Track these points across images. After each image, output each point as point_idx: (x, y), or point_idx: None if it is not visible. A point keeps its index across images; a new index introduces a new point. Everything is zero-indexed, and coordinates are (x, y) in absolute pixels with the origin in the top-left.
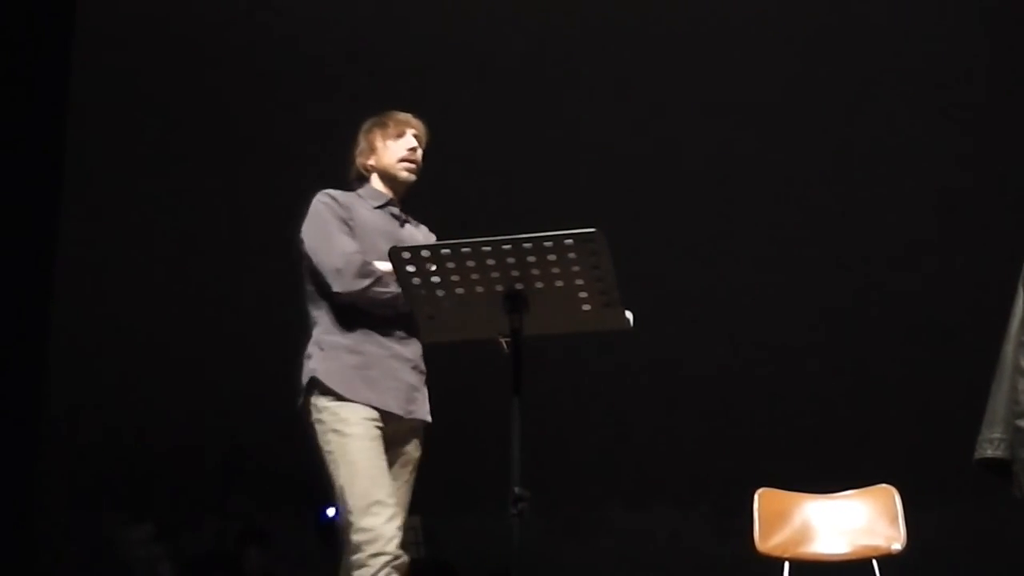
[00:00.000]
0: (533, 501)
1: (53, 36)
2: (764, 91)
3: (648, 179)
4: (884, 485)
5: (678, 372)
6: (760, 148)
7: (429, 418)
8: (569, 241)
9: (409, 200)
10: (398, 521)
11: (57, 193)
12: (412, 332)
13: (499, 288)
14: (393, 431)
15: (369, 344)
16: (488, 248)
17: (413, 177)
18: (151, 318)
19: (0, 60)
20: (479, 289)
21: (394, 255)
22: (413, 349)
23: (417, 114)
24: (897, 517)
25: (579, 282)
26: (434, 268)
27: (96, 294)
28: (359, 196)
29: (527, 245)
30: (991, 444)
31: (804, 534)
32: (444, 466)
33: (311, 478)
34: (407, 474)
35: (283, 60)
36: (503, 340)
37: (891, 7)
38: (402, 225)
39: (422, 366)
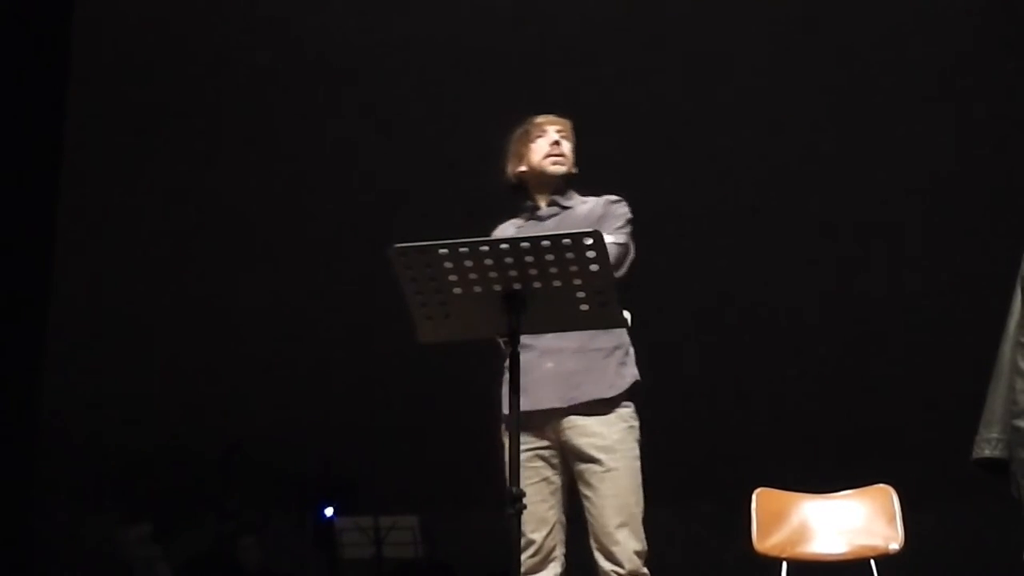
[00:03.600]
0: None
1: (52, 30)
2: (763, 89)
3: (643, 179)
4: (882, 485)
5: (675, 371)
6: (757, 148)
7: (607, 395)
8: (567, 241)
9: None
10: (530, 551)
11: (54, 192)
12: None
13: (497, 288)
14: (561, 437)
15: (524, 352)
16: (486, 248)
17: (561, 168)
18: (149, 317)
19: None
20: (477, 289)
21: (392, 255)
22: (575, 335)
23: (415, 111)
24: (895, 517)
25: (577, 282)
26: (431, 268)
27: (93, 293)
28: (513, 217)
29: (525, 245)
30: (989, 444)
31: (802, 534)
32: (442, 466)
33: (309, 478)
34: (596, 477)
35: (280, 58)
36: (501, 340)
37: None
38: (544, 221)
39: (595, 345)
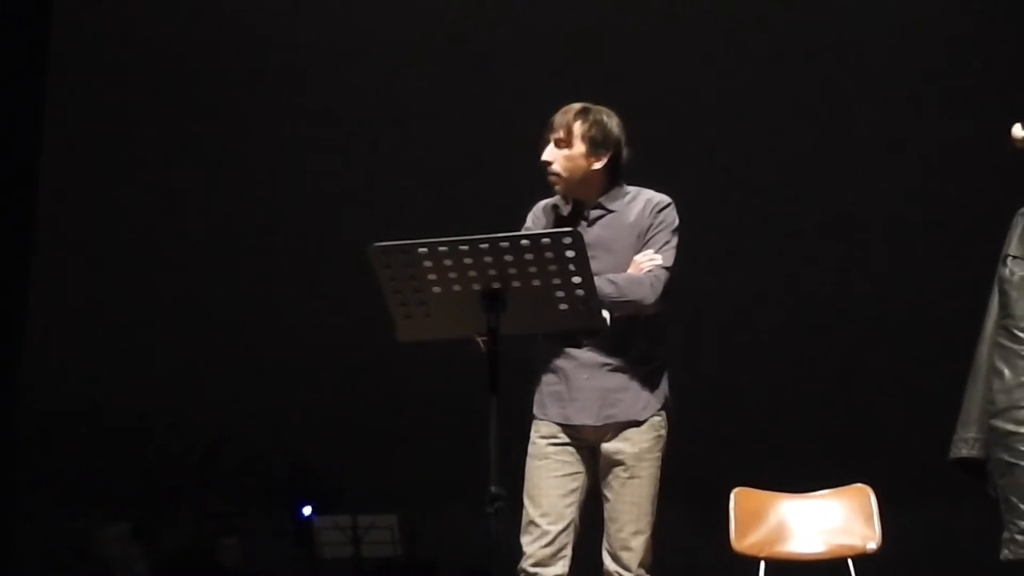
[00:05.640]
0: (510, 499)
1: (32, 25)
2: (760, 90)
3: (636, 180)
4: (859, 485)
5: None
6: (752, 151)
7: (640, 417)
8: (546, 241)
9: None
10: (544, 541)
11: (33, 191)
12: (615, 335)
13: (477, 287)
14: (595, 439)
15: (559, 358)
16: (466, 247)
17: (556, 187)
18: (127, 317)
19: None
20: (457, 288)
21: (372, 253)
22: (616, 351)
23: (405, 111)
24: (872, 516)
25: (556, 281)
26: (410, 267)
27: (74, 292)
28: (561, 202)
29: (505, 244)
30: (966, 444)
31: (780, 533)
32: (422, 465)
33: (288, 477)
34: (619, 481)
35: (269, 57)
36: (480, 339)
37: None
38: (590, 225)
39: (634, 363)
